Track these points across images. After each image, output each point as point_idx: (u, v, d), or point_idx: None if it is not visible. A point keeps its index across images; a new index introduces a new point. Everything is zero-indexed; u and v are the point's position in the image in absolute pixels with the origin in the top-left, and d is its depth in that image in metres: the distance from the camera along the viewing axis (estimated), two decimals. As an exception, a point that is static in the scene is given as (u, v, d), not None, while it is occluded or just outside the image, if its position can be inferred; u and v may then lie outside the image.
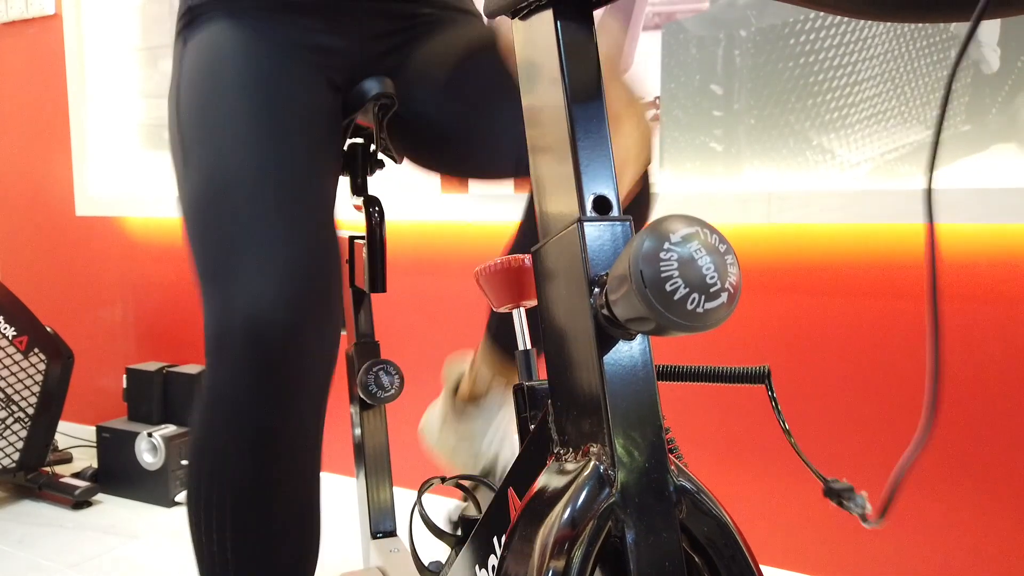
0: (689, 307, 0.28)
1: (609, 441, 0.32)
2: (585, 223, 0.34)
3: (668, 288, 0.28)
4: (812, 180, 1.23)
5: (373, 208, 0.79)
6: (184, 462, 1.88)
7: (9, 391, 1.87)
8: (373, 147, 0.84)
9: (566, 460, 0.35)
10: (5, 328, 1.86)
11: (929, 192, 0.29)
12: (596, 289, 0.33)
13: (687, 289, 0.28)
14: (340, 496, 1.77)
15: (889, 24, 1.17)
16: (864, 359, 1.23)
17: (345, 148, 0.82)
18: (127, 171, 2.07)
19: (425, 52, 0.80)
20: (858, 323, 1.23)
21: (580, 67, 0.36)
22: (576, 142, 0.35)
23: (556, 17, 0.36)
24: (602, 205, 0.34)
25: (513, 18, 0.39)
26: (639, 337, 0.33)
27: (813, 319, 1.26)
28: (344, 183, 0.88)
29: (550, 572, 0.32)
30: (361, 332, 0.82)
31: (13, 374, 1.87)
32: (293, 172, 0.63)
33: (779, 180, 1.25)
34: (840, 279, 1.24)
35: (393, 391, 0.77)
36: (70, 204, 2.17)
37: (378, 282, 0.78)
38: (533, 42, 0.37)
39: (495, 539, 0.43)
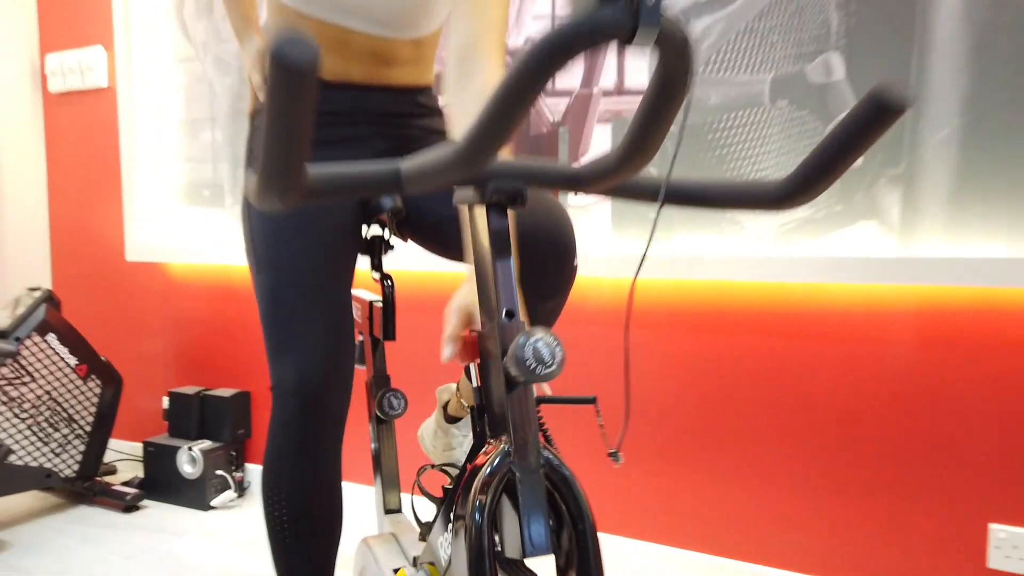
0: (537, 371, 0.61)
1: (511, 432, 0.64)
2: (501, 323, 0.66)
3: (528, 362, 0.61)
4: (726, 245, 1.56)
5: (386, 281, 1.12)
6: (219, 472, 2.19)
7: (71, 411, 2.18)
8: (387, 235, 1.17)
9: (492, 445, 0.68)
10: (69, 358, 2.17)
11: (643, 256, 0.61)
12: (504, 359, 0.65)
13: (536, 362, 0.61)
14: (363, 499, 2.08)
15: (781, 126, 1.50)
16: (764, 382, 1.56)
17: (368, 238, 1.15)
18: (170, 224, 2.36)
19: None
20: (757, 356, 1.56)
21: (499, 238, 0.69)
22: (497, 283, 0.67)
23: (488, 211, 0.69)
24: (510, 314, 0.67)
25: (469, 209, 0.72)
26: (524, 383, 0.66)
27: (724, 354, 1.59)
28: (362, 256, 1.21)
29: (478, 500, 0.64)
30: (377, 368, 1.15)
31: (74, 396, 2.19)
32: (325, 283, 0.97)
33: (701, 245, 1.58)
34: (743, 324, 1.57)
35: (400, 410, 1.09)
36: (121, 251, 2.46)
37: (389, 332, 1.11)
38: (476, 222, 0.71)
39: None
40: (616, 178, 0.64)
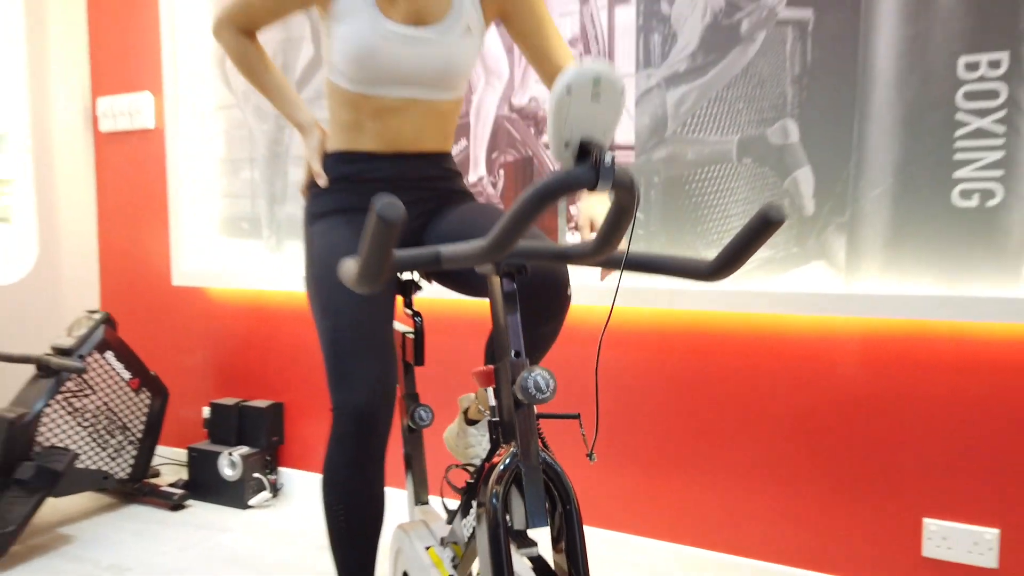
0: (537, 396, 0.87)
1: (518, 440, 0.90)
2: (511, 360, 0.93)
3: (530, 390, 0.87)
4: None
5: (417, 317, 1.39)
6: (255, 475, 2.45)
7: (125, 420, 2.45)
8: (417, 279, 1.43)
9: (504, 449, 0.94)
10: (124, 373, 2.44)
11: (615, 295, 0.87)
12: (513, 387, 0.91)
13: (535, 390, 0.87)
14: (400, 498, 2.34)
15: (746, 180, 1.77)
16: (733, 396, 1.82)
17: (403, 279, 1.42)
18: (212, 253, 2.63)
19: (441, 217, 1.38)
20: (727, 374, 1.82)
21: (510, 299, 0.95)
22: (508, 328, 0.94)
23: (501, 279, 0.96)
24: (518, 354, 0.93)
25: (488, 277, 0.99)
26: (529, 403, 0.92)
27: (700, 372, 1.85)
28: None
29: (495, 488, 0.90)
30: (408, 387, 1.41)
31: (128, 407, 2.45)
32: (374, 324, 1.22)
33: (680, 280, 1.84)
34: (716, 347, 1.83)
35: (428, 422, 1.35)
36: (167, 277, 2.72)
37: (419, 359, 1.37)
38: (493, 286, 0.97)
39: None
40: (591, 260, 0.90)
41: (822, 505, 1.75)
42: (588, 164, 0.73)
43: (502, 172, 2.08)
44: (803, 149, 1.70)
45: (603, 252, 0.88)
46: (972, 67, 1.54)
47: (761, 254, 1.76)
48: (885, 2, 1.61)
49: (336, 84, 1.31)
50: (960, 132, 1.56)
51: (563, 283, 1.22)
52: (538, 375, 0.89)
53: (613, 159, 0.74)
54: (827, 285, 1.70)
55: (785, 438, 1.78)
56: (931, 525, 1.64)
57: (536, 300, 1.20)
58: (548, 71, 1.38)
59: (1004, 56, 1.51)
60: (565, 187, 0.73)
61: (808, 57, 1.68)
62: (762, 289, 1.74)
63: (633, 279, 1.89)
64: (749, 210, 1.77)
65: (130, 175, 2.81)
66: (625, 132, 1.89)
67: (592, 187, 0.73)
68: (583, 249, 0.91)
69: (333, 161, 1.34)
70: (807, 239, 1.71)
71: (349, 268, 0.82)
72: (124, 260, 2.85)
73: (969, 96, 1.55)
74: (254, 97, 2.49)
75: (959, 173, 1.57)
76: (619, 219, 0.81)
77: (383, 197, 0.70)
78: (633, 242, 1.91)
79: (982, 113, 1.54)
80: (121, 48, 2.78)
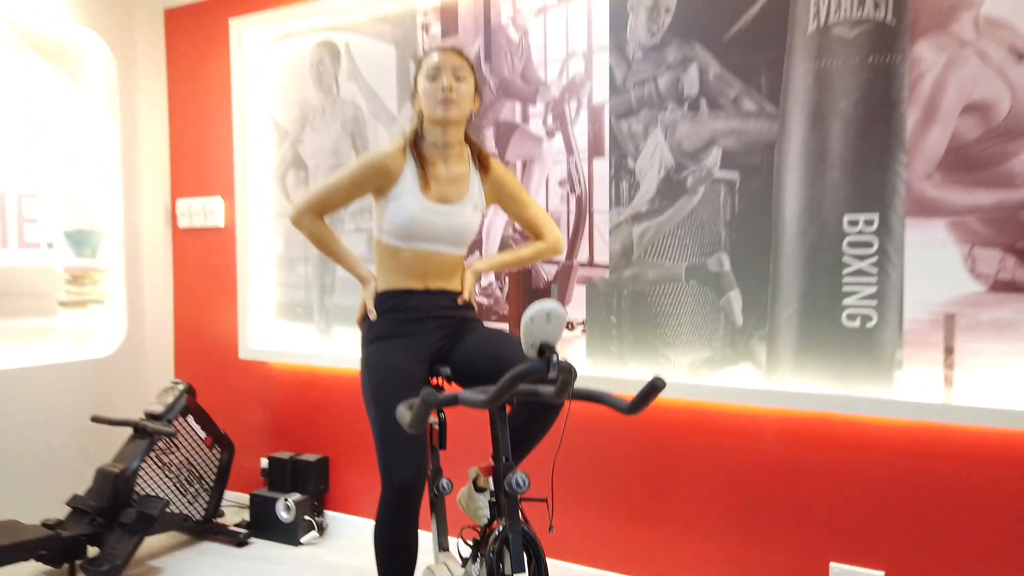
0: (517, 491, 1.40)
1: (506, 515, 1.43)
2: (503, 464, 1.45)
3: (513, 486, 1.39)
4: (660, 373, 2.35)
5: (441, 413, 1.92)
6: (306, 517, 2.98)
7: (201, 472, 2.99)
8: (440, 383, 1.97)
9: (498, 521, 1.46)
10: (200, 432, 2.99)
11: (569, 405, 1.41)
12: (504, 481, 1.44)
13: (516, 487, 1.39)
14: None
15: (692, 296, 2.30)
16: (680, 462, 2.33)
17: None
18: (271, 333, 3.21)
19: (460, 343, 1.92)
20: (676, 446, 2.33)
21: (503, 419, 1.48)
22: (501, 441, 1.46)
23: (497, 409, 1.49)
24: (507, 459, 1.46)
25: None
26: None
27: (657, 444, 2.37)
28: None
29: (492, 547, 1.42)
30: (435, 464, 1.94)
31: (203, 460, 2.99)
32: None
33: (645, 372, 2.37)
34: (667, 425, 2.34)
35: (449, 491, 1.88)
36: (235, 351, 3.28)
37: (443, 444, 1.90)
38: (492, 415, 1.50)
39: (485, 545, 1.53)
40: (554, 400, 1.44)
41: (749, 549, 2.25)
42: (544, 360, 1.27)
43: (507, 279, 2.63)
44: (734, 276, 2.24)
45: (560, 398, 1.41)
46: (853, 223, 2.07)
47: (703, 355, 2.29)
48: (791, 172, 2.15)
49: (384, 242, 1.86)
50: (846, 271, 2.08)
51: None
52: (519, 476, 1.42)
53: (558, 357, 1.28)
54: (752, 382, 2.21)
55: (720, 497, 2.29)
56: (835, 568, 2.13)
57: (537, 403, 1.73)
58: (530, 231, 2.04)
59: (876, 216, 2.04)
60: (530, 374, 1.27)
61: (736, 207, 2.22)
62: (703, 383, 2.26)
63: (606, 369, 2.42)
64: (695, 319, 2.30)
65: (203, 266, 3.39)
66: (601, 255, 2.44)
67: (545, 375, 1.27)
68: (549, 393, 1.44)
69: (382, 299, 1.89)
70: (737, 345, 2.24)
71: (403, 416, 1.36)
72: (197, 337, 3.43)
73: (851, 244, 2.07)
74: (308, 208, 3.06)
75: (846, 301, 2.09)
76: (565, 384, 1.35)
77: (426, 389, 1.24)
78: (607, 342, 2.44)
79: (861, 258, 2.06)
80: (198, 159, 3.38)
